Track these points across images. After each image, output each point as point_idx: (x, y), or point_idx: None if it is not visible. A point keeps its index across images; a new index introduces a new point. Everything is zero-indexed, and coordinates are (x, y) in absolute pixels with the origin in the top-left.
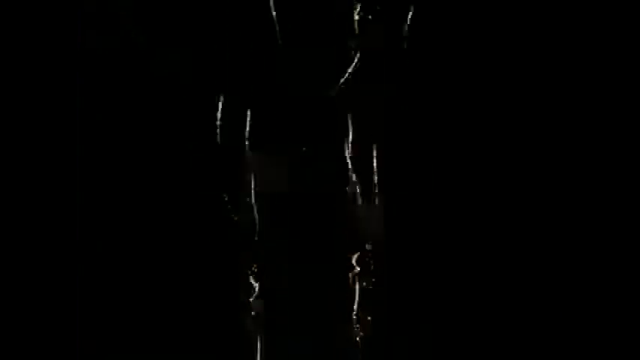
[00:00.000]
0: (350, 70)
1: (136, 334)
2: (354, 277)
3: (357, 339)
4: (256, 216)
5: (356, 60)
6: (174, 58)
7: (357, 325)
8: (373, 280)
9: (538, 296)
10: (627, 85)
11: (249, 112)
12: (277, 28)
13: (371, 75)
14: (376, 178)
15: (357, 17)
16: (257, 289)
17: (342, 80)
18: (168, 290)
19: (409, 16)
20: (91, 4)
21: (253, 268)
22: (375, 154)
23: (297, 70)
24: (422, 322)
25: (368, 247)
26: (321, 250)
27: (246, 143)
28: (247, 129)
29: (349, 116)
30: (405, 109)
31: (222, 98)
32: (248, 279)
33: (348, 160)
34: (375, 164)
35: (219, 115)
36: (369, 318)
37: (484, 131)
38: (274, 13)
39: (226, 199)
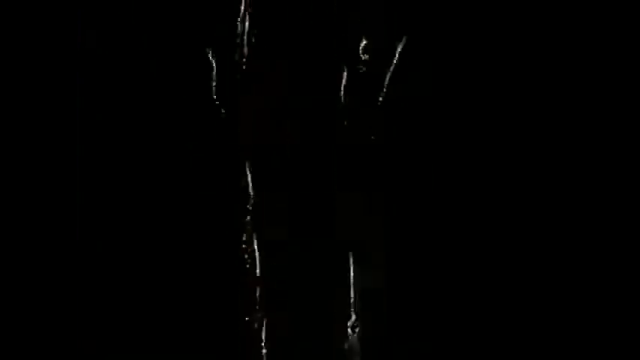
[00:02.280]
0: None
1: (136, 334)
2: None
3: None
4: (256, 216)
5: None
6: (174, 58)
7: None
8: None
9: (539, 296)
10: (626, 86)
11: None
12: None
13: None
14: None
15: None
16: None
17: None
18: (168, 290)
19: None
20: (91, 4)
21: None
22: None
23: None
24: (422, 322)
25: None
26: (320, 248)
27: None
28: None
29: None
30: (405, 110)
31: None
32: (248, 279)
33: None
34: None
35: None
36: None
37: (484, 132)
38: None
39: (226, 198)
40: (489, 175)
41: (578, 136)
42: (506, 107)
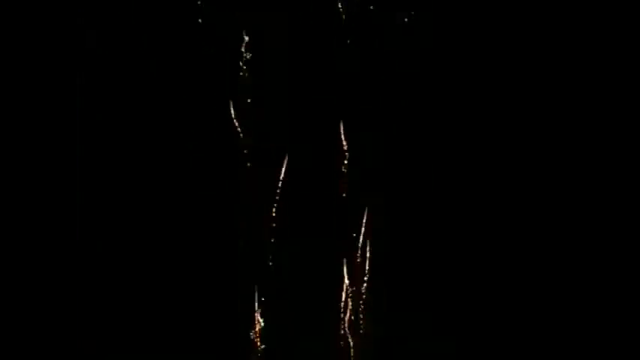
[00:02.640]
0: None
1: (136, 334)
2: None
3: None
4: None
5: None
6: (174, 59)
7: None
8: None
9: (538, 297)
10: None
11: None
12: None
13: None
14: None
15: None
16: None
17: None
18: (168, 290)
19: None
20: (91, 4)
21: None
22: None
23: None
24: (422, 321)
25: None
26: (321, 247)
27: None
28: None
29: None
30: (405, 111)
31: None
32: (248, 280)
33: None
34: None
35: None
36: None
37: (484, 133)
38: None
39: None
40: (489, 175)
41: (576, 138)
42: (507, 108)
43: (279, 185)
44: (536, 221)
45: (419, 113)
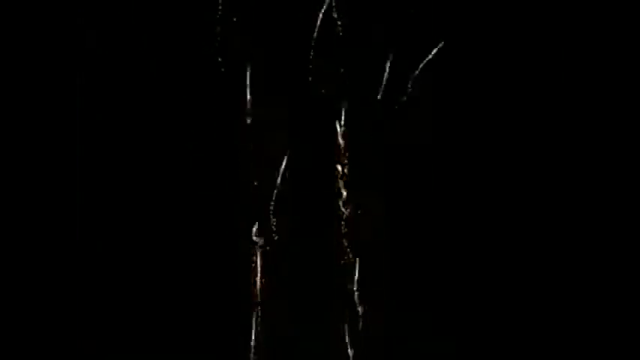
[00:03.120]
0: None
1: (136, 334)
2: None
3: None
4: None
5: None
6: (174, 59)
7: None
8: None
9: (538, 298)
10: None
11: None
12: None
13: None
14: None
15: None
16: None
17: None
18: (167, 290)
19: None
20: (91, 4)
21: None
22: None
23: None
24: (423, 320)
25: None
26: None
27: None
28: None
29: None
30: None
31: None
32: (247, 279)
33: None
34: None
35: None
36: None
37: (485, 133)
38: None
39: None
40: (489, 174)
41: (577, 140)
42: (510, 108)
43: (279, 185)
44: (536, 221)
45: (419, 113)
